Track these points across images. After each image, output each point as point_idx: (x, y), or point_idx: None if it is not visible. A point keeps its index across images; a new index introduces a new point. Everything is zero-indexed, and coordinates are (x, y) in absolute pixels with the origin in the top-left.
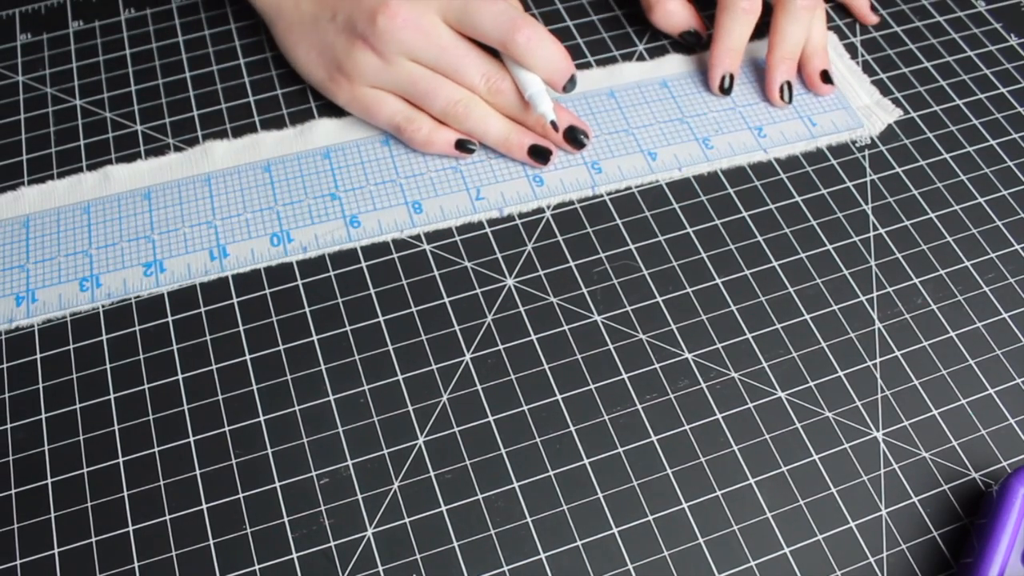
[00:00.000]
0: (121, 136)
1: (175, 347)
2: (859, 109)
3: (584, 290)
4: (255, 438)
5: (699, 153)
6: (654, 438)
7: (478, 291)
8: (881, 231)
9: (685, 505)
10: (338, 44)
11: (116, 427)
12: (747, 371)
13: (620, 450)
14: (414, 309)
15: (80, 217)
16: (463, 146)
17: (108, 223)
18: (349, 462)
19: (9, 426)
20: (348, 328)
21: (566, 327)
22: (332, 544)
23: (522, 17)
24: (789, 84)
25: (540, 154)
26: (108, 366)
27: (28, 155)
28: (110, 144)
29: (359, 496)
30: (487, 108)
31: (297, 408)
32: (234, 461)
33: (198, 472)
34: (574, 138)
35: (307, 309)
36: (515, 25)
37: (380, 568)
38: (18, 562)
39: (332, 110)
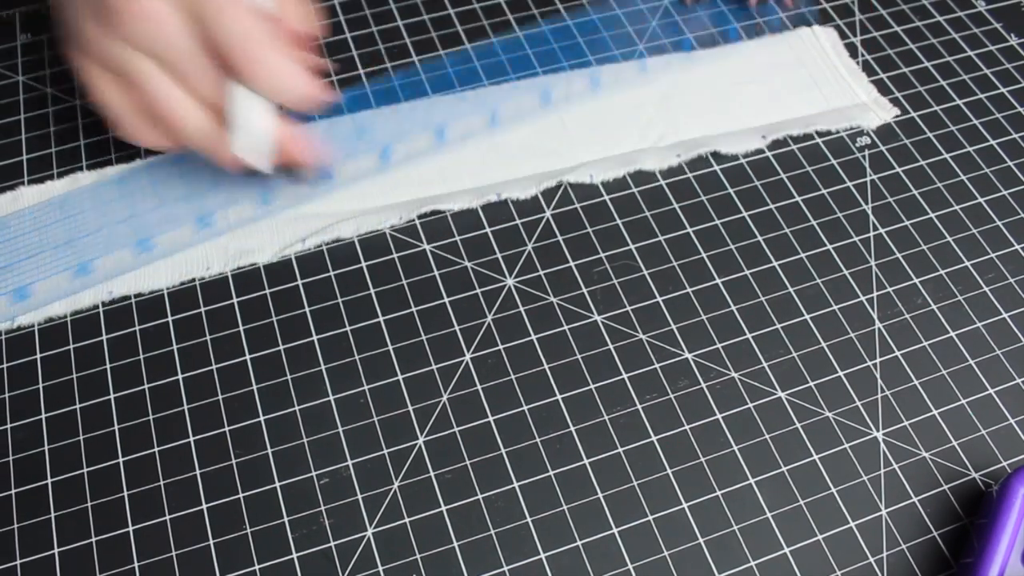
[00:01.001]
0: None
1: (175, 347)
2: (857, 107)
3: (584, 290)
4: (255, 438)
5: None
6: (654, 438)
7: (478, 291)
8: (881, 231)
9: (685, 505)
10: (83, 24)
11: (116, 427)
12: (747, 371)
13: (620, 450)
14: (414, 309)
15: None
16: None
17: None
18: (349, 462)
19: (9, 426)
20: (348, 328)
21: (566, 327)
22: (332, 544)
23: (260, 41)
24: None
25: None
26: (108, 366)
27: (28, 155)
28: (110, 144)
29: (359, 496)
30: (196, 105)
31: (297, 408)
32: (234, 461)
33: (198, 472)
34: (291, 171)
35: (307, 309)
36: (255, 46)
37: (380, 568)
38: (18, 562)
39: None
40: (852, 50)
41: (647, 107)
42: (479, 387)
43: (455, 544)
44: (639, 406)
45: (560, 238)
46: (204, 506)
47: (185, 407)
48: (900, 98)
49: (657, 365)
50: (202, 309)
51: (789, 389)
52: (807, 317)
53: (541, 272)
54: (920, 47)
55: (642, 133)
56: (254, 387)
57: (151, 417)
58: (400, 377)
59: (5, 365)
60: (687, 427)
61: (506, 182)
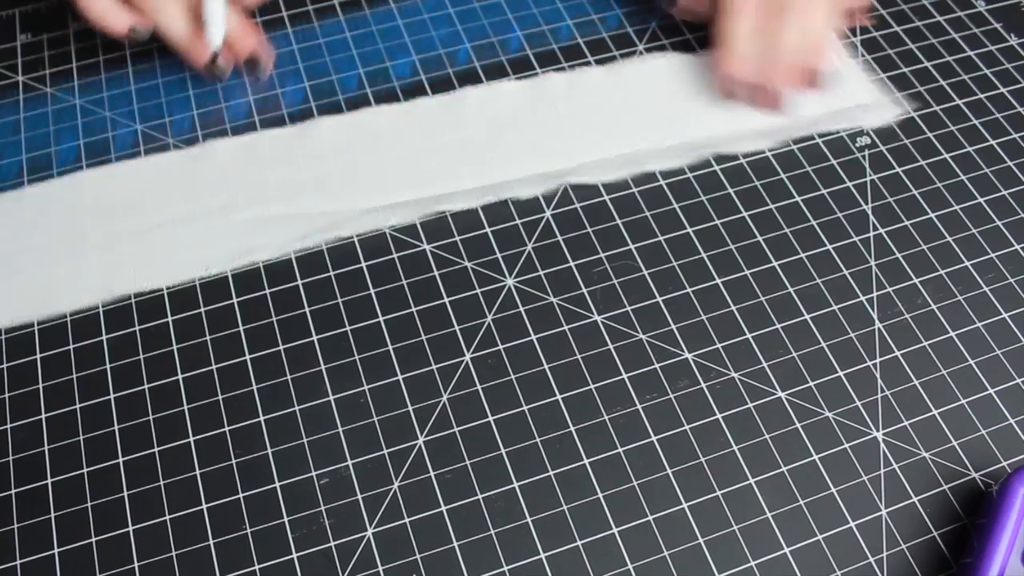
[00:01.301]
0: (121, 135)
1: (175, 347)
2: (857, 107)
3: (584, 290)
4: (255, 438)
5: None
6: (654, 438)
7: (478, 291)
8: (881, 231)
9: (685, 505)
10: None
11: (116, 427)
12: (747, 371)
13: (620, 450)
14: (414, 309)
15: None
16: (133, 32)
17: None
18: (349, 462)
19: (9, 426)
20: (348, 328)
21: (566, 327)
22: (332, 544)
23: None
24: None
25: (214, 70)
26: (108, 366)
27: (28, 155)
28: (110, 144)
29: (359, 496)
30: (179, 8)
31: (297, 408)
32: (234, 461)
33: (198, 472)
34: (251, 66)
35: (307, 309)
36: None
37: (380, 568)
38: (18, 562)
39: (332, 109)
40: (852, 50)
41: (647, 107)
42: (479, 387)
43: (455, 544)
44: (639, 406)
45: (560, 238)
46: (204, 506)
47: (185, 407)
48: (900, 98)
49: (657, 365)
50: (202, 309)
51: (789, 389)
52: (807, 317)
53: (541, 272)
54: (920, 47)
55: (642, 133)
56: (254, 387)
57: (151, 417)
58: (400, 377)
59: (5, 365)
60: (687, 427)
61: (507, 182)
